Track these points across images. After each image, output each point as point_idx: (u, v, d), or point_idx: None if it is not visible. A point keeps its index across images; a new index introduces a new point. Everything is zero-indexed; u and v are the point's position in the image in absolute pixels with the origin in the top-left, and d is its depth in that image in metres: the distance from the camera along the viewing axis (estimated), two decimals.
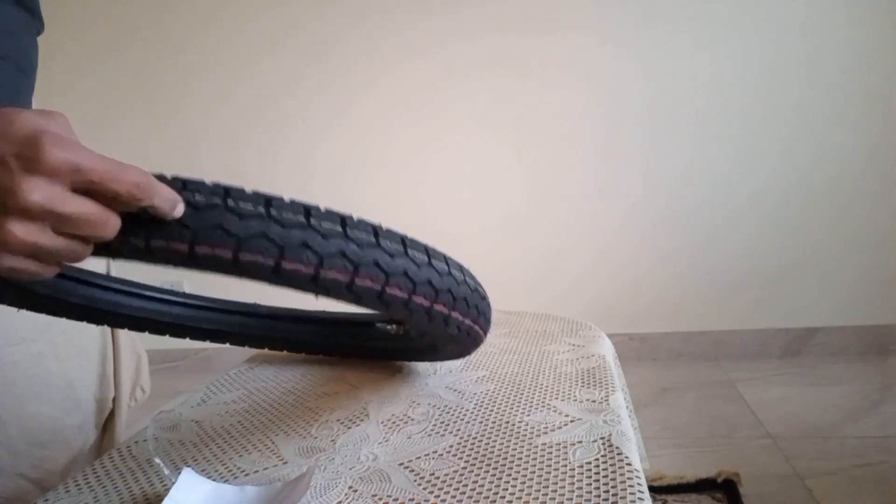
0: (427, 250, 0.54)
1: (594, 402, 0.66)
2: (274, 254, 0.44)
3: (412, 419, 0.65)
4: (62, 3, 2.15)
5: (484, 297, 0.62)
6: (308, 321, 0.84)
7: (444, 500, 0.49)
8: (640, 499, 0.46)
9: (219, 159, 2.23)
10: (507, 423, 0.62)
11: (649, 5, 1.96)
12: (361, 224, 0.49)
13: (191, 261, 0.43)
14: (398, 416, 0.67)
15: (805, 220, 1.99)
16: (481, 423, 0.63)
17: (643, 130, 2.02)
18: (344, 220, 0.47)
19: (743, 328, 2.07)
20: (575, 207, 2.09)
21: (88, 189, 0.37)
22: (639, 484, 0.48)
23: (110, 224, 0.39)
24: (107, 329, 1.29)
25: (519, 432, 0.60)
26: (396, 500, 0.50)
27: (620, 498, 0.46)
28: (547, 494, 0.48)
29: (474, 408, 0.67)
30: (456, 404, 0.69)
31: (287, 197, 0.46)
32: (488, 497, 0.49)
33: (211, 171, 2.23)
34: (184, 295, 0.78)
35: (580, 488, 0.48)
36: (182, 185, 0.42)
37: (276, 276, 0.45)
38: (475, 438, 0.59)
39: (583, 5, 1.99)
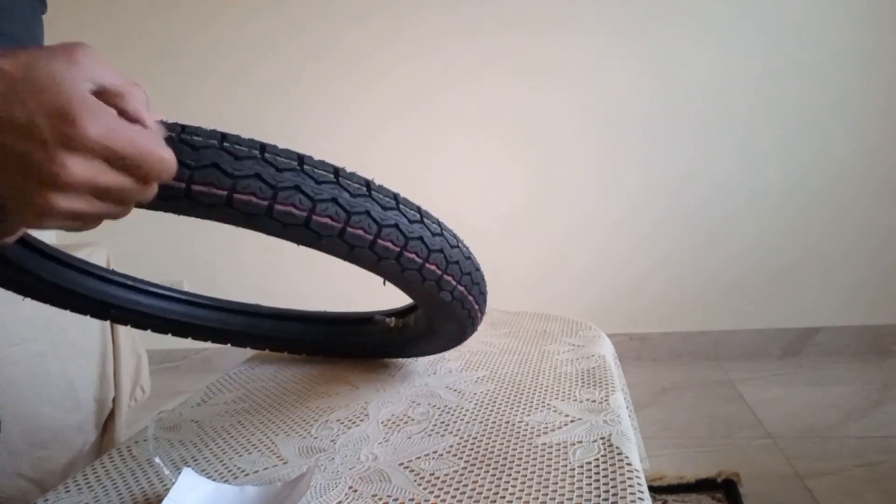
0: (420, 210, 0.54)
1: (594, 402, 0.66)
2: (267, 195, 0.44)
3: (412, 419, 0.65)
4: (61, 4, 2.15)
5: (478, 269, 0.62)
6: (309, 321, 0.84)
7: (444, 500, 0.49)
8: (640, 499, 0.46)
9: None
10: (507, 423, 0.62)
11: (649, 6, 1.96)
12: (354, 176, 0.50)
13: (187, 200, 0.43)
14: (398, 416, 0.67)
15: (805, 220, 1.99)
16: (481, 423, 0.63)
17: (643, 130, 2.02)
18: (337, 170, 0.48)
19: (743, 328, 2.07)
20: (575, 207, 2.09)
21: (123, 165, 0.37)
22: (639, 484, 0.48)
23: (149, 191, 0.40)
24: (107, 329, 1.29)
25: (519, 432, 0.60)
26: (396, 500, 0.50)
27: (620, 498, 0.46)
28: (547, 494, 0.48)
29: (474, 408, 0.67)
30: (456, 404, 0.69)
31: (281, 145, 0.47)
32: (488, 497, 0.49)
33: None
34: (187, 293, 0.79)
35: (580, 488, 0.48)
36: (181, 129, 0.43)
37: (269, 218, 0.45)
38: (475, 438, 0.59)
39: (583, 6, 1.99)
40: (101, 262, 1.44)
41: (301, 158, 0.46)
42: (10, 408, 0.84)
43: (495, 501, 0.48)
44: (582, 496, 0.47)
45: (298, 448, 0.61)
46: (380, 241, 0.50)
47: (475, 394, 0.71)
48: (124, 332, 1.33)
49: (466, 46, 2.05)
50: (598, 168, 2.06)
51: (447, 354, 0.88)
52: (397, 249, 0.51)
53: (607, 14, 1.98)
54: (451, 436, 0.60)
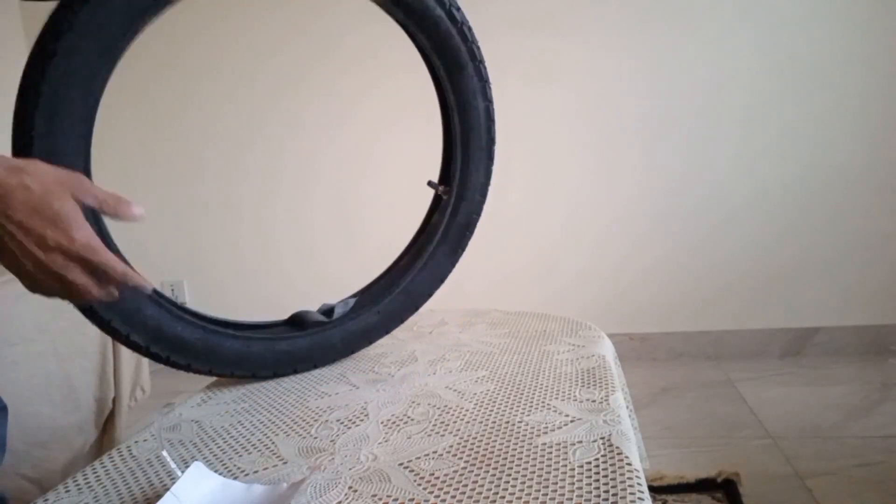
0: None
1: (594, 402, 0.66)
2: None
3: (412, 419, 0.65)
4: None
5: None
6: None
7: (444, 500, 0.49)
8: (640, 499, 0.46)
9: (223, 162, 2.23)
10: (507, 423, 0.62)
11: (647, 6, 1.96)
12: None
13: None
14: (398, 416, 0.67)
15: (805, 220, 1.99)
16: (481, 423, 0.63)
17: (642, 130, 2.02)
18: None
19: (743, 328, 2.07)
20: (574, 207, 2.09)
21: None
22: (639, 484, 0.48)
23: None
24: None
25: (519, 432, 0.60)
26: (396, 500, 0.50)
27: (620, 498, 0.46)
28: (547, 494, 0.48)
29: (474, 408, 0.67)
30: (456, 404, 0.69)
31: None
32: (488, 497, 0.49)
33: (215, 174, 2.23)
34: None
35: (580, 488, 0.48)
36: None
37: None
38: (475, 438, 0.59)
39: (581, 7, 1.99)
40: None
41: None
42: (10, 408, 0.84)
43: (495, 501, 0.48)
44: (582, 496, 0.47)
45: (298, 448, 0.61)
46: None
47: (475, 394, 0.71)
48: None
49: None
50: (598, 167, 2.06)
51: (447, 354, 0.88)
52: None
53: (605, 15, 1.98)
54: (451, 436, 0.60)
